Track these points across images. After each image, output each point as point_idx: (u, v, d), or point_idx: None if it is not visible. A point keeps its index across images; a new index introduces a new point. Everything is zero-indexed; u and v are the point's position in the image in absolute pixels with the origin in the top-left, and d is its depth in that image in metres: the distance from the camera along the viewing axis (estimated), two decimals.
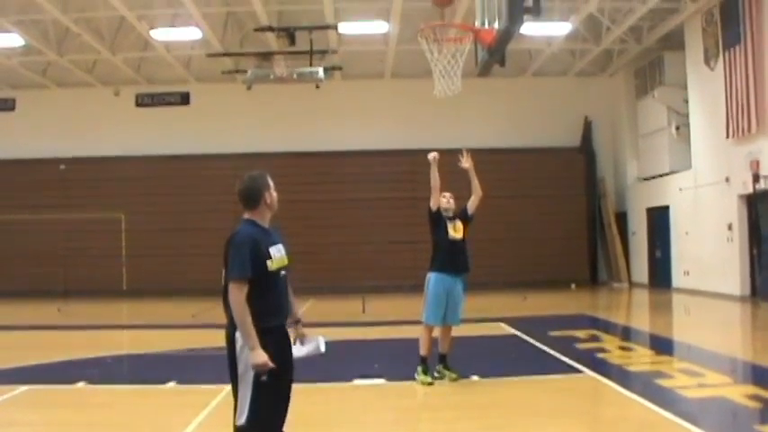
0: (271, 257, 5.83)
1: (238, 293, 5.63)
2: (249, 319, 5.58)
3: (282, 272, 5.93)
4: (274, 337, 5.76)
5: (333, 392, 10.80)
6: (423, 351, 10.94)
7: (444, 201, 11.33)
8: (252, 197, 6.00)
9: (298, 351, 6.13)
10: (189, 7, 22.94)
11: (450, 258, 11.08)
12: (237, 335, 5.67)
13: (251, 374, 5.61)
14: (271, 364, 5.54)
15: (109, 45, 27.15)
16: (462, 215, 11.41)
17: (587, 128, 32.52)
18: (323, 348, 6.22)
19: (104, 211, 30.90)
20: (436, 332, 11.16)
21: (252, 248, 5.73)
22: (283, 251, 5.97)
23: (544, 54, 29.02)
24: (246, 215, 6.04)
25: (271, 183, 6.05)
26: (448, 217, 11.28)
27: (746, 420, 8.70)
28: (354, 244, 30.66)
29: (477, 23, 12.01)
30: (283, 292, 5.96)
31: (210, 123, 31.70)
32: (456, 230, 11.19)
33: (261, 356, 5.53)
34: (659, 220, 29.30)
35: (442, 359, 11.16)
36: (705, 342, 15.01)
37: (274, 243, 5.91)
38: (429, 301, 11.00)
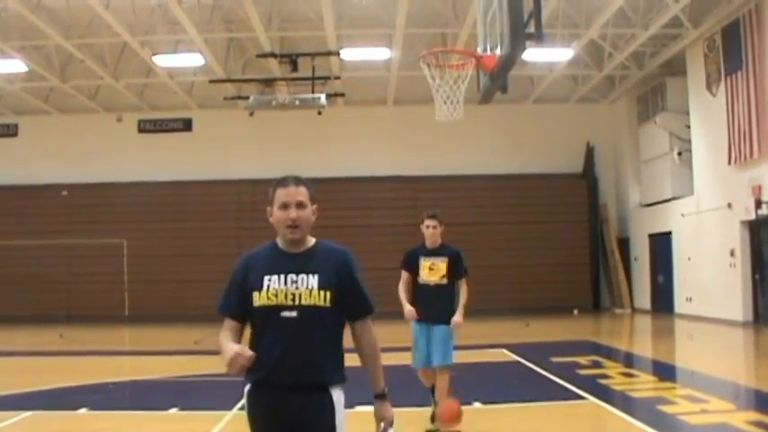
0: (261, 288, 4.35)
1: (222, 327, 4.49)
2: (220, 336, 4.36)
3: (288, 312, 4.30)
4: (261, 398, 4.32)
5: None
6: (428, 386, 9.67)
7: (427, 231, 9.44)
8: None
9: None
10: (191, 33, 23.05)
11: (419, 305, 9.33)
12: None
13: None
14: (240, 357, 4.11)
15: (111, 71, 27.27)
16: (452, 254, 9.43)
17: (589, 154, 32.56)
18: None
19: (107, 237, 30.88)
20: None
21: (237, 275, 4.49)
22: (307, 284, 4.34)
23: (546, 80, 29.11)
24: None
25: (278, 194, 4.45)
26: (426, 252, 9.47)
27: None
28: None
29: (480, 50, 12.06)
30: (282, 339, 4.29)
31: (213, 149, 31.77)
32: (432, 271, 9.33)
33: (224, 351, 4.23)
34: (661, 245, 29.30)
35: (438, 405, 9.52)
36: (708, 368, 14.96)
37: (288, 272, 4.37)
38: (413, 344, 9.58)
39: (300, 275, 4.34)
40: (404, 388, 12.43)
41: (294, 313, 4.29)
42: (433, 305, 9.25)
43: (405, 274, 9.52)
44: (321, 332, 4.32)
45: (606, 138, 32.85)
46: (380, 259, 30.92)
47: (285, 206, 4.40)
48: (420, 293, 9.34)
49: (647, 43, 25.80)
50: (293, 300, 4.30)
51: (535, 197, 31.40)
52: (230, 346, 4.20)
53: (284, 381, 4.23)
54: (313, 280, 4.34)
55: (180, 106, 31.75)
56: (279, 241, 4.52)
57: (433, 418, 9.51)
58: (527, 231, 30.99)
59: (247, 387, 4.37)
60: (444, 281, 9.28)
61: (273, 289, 4.31)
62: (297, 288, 4.31)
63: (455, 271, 9.33)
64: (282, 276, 4.34)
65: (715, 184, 24.67)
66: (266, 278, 4.34)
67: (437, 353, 9.29)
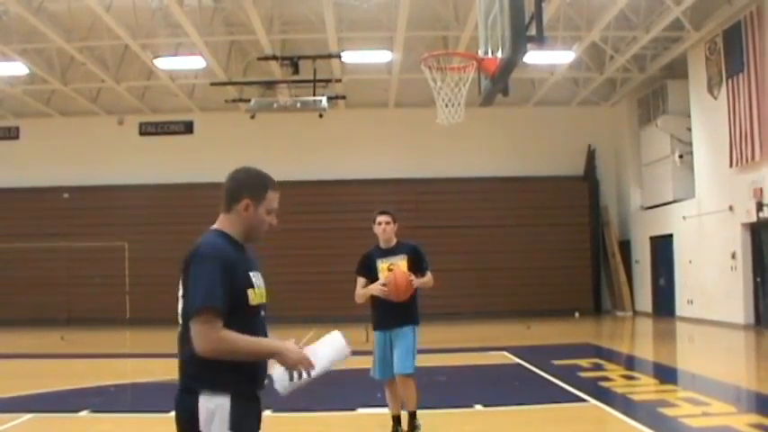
0: (253, 286, 3.98)
1: (209, 331, 3.89)
2: (242, 343, 3.87)
3: (263, 311, 4.09)
4: (252, 410, 3.97)
5: (335, 421, 10.77)
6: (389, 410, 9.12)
7: (379, 229, 8.97)
8: (229, 195, 4.33)
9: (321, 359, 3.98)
10: (193, 36, 23.03)
11: (377, 312, 8.95)
12: (203, 404, 4.08)
13: None
14: (303, 354, 3.91)
15: (113, 74, 27.26)
16: (410, 251, 8.97)
17: (591, 156, 32.55)
18: (345, 347, 4.12)
19: (108, 240, 30.88)
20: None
21: (225, 268, 3.90)
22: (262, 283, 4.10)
23: (547, 83, 29.09)
24: (217, 223, 4.32)
25: (270, 197, 4.26)
26: (382, 253, 8.97)
27: None
28: None
29: (481, 52, 12.03)
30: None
31: (214, 152, 31.67)
32: (392, 272, 8.70)
33: (289, 351, 3.90)
34: (663, 248, 29.27)
35: (411, 416, 8.88)
36: (709, 371, 14.96)
37: (253, 269, 4.09)
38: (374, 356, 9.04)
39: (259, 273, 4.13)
40: None
41: (264, 313, 4.09)
42: (396, 309, 8.64)
43: (361, 281, 8.88)
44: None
45: (607, 140, 32.84)
46: None
47: (274, 212, 4.20)
48: (381, 299, 8.65)
49: (648, 46, 25.78)
50: (265, 299, 4.09)
51: (536, 200, 31.38)
52: (281, 343, 3.92)
53: (262, 387, 4.01)
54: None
55: (181, 109, 31.74)
56: (231, 234, 4.16)
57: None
58: (528, 234, 30.97)
59: (227, 399, 3.92)
60: None
61: (259, 287, 4.03)
62: (263, 288, 4.10)
63: (418, 267, 8.76)
64: (258, 273, 4.10)
65: (716, 187, 24.65)
66: (251, 274, 4.02)
67: (401, 361, 8.65)
